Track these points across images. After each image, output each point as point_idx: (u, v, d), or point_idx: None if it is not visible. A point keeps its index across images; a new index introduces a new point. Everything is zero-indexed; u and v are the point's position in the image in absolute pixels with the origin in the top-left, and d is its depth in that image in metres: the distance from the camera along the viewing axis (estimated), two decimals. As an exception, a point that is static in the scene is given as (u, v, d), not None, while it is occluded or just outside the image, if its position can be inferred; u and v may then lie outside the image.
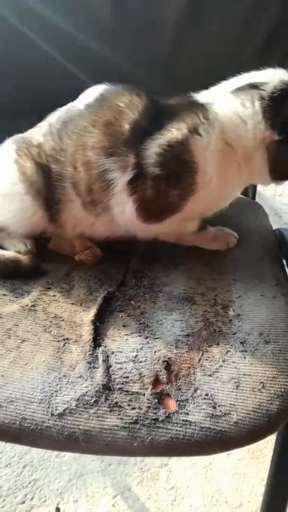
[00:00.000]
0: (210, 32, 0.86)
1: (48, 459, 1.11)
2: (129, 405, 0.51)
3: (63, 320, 0.62)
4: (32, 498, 1.03)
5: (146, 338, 0.60)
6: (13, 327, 0.61)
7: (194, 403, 0.52)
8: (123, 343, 0.59)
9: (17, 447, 1.13)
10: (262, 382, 0.53)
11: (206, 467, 1.11)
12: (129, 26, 0.85)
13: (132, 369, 0.55)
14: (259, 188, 1.03)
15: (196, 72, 0.88)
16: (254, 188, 0.96)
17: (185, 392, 0.53)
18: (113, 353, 0.57)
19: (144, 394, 0.52)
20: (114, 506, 1.02)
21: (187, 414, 0.51)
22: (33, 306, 0.64)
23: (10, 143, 0.76)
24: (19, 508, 1.01)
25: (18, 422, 0.50)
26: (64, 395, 0.52)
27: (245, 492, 1.05)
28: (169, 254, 0.77)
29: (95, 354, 0.57)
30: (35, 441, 0.50)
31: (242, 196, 0.97)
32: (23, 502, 1.02)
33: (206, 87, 0.72)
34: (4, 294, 0.66)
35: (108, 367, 0.55)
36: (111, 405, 0.51)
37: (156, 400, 0.52)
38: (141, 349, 0.58)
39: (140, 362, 0.56)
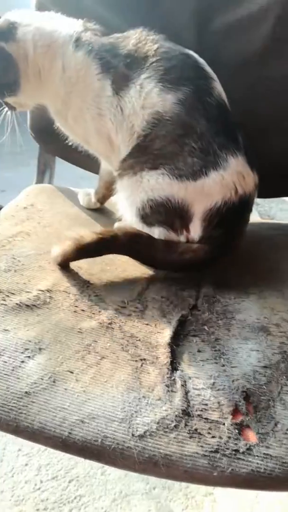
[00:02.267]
0: None
1: (93, 476, 1.11)
2: (209, 433, 0.51)
3: (139, 340, 0.63)
4: (77, 514, 1.03)
5: (223, 366, 0.59)
6: (92, 343, 0.62)
7: (275, 437, 0.51)
8: (199, 369, 0.59)
9: (64, 460, 1.14)
10: None
11: (252, 500, 1.08)
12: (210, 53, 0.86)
13: (210, 396, 0.55)
14: None
15: None
16: None
17: (266, 425, 0.52)
18: (190, 378, 0.57)
19: (224, 424, 0.52)
20: (158, 531, 1.01)
21: (268, 447, 0.50)
22: (110, 323, 0.66)
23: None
24: (64, 522, 1.01)
25: (100, 440, 0.51)
26: (144, 416, 0.53)
27: (295, 531, 1.01)
28: (240, 280, 0.77)
29: (173, 378, 0.57)
30: (115, 461, 0.51)
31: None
32: (68, 517, 1.02)
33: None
34: (82, 310, 0.68)
35: (186, 392, 0.55)
36: (191, 432, 0.51)
37: (237, 431, 0.51)
38: (218, 377, 0.58)
39: (218, 390, 0.56)
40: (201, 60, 0.79)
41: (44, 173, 1.07)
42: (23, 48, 0.80)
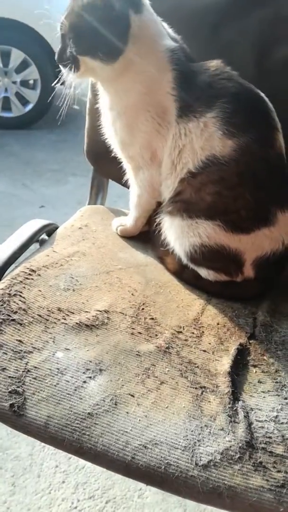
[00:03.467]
0: None
1: (131, 498, 1.10)
2: (274, 467, 0.51)
3: (197, 366, 0.63)
4: (114, 537, 1.02)
5: (285, 399, 0.59)
6: (151, 367, 0.62)
7: None
8: (261, 401, 0.59)
9: (101, 480, 1.13)
10: None
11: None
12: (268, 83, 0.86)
13: (274, 429, 0.54)
14: None
15: None
16: None
17: None
18: (252, 410, 0.57)
19: (289, 458, 0.51)
20: None
21: None
22: (167, 348, 0.66)
23: None
24: None
25: (163, 467, 0.51)
26: (207, 446, 0.52)
27: None
28: (295, 310, 0.76)
29: (235, 408, 0.57)
30: (179, 489, 0.50)
31: None
32: (105, 539, 1.01)
33: None
34: (139, 332, 0.68)
35: (249, 424, 0.55)
36: (255, 464, 0.51)
37: (303, 467, 0.50)
38: (281, 410, 0.57)
39: (282, 423, 0.55)
40: (270, 106, 0.78)
41: (97, 194, 1.09)
42: (145, 28, 0.77)
